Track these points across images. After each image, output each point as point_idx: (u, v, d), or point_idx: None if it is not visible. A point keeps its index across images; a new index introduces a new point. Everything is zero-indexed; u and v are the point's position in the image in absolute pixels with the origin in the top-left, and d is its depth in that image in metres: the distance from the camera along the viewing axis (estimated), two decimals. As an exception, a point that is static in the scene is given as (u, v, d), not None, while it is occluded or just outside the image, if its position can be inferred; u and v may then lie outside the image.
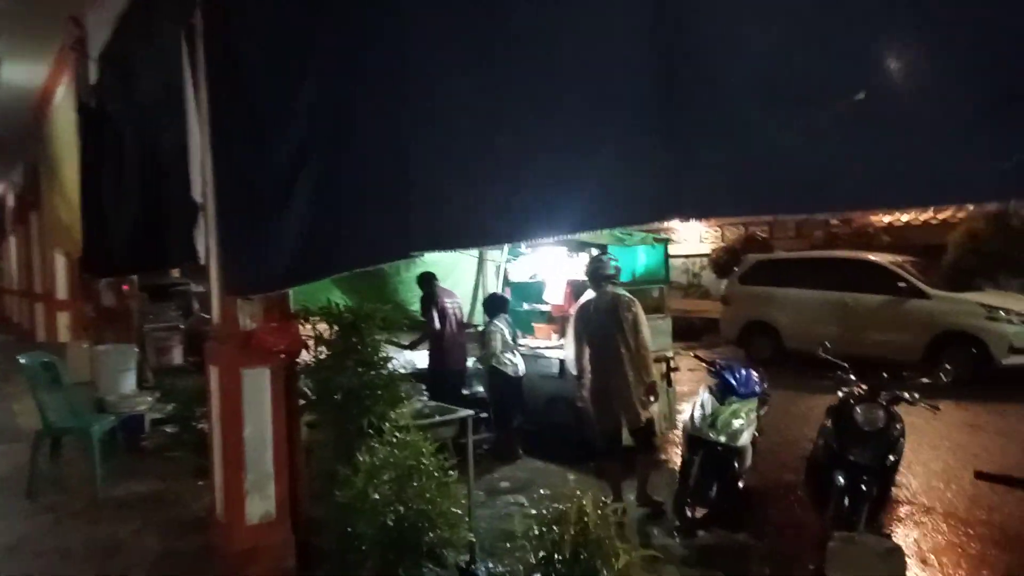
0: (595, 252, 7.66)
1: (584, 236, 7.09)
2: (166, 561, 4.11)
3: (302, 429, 4.08)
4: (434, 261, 7.96)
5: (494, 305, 7.03)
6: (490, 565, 4.53)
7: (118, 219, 5.96)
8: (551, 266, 8.32)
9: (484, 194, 2.21)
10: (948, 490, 5.84)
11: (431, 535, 3.27)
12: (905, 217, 13.73)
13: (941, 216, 13.21)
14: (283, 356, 3.88)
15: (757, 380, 5.78)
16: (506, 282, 8.43)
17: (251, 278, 3.61)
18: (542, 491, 5.98)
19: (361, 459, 3.55)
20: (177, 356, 7.94)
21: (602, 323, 5.58)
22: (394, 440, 3.59)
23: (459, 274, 8.66)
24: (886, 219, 13.95)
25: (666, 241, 7.75)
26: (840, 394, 5.39)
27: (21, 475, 5.70)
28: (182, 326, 8.18)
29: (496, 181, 2.13)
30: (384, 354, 3.98)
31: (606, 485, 5.86)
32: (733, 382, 5.58)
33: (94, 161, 6.70)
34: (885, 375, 4.96)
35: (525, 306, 8.55)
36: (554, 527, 2.59)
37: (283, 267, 3.31)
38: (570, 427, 6.88)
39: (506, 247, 8.32)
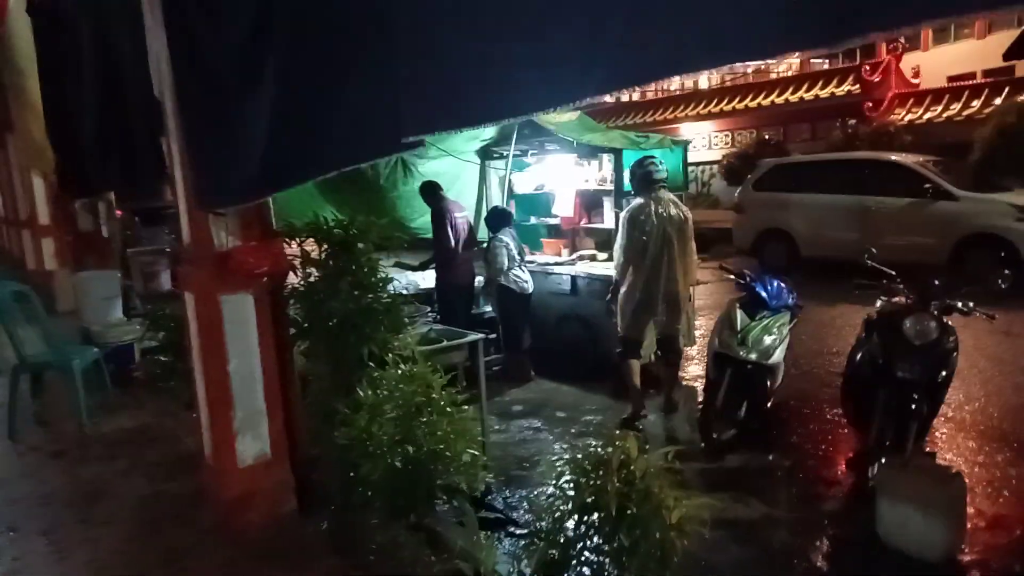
0: (608, 158, 7.07)
1: (597, 141, 6.47)
2: (155, 505, 3.74)
3: (295, 359, 3.63)
4: (435, 173, 7.37)
5: (498, 219, 6.48)
6: (507, 494, 4.19)
7: (85, 133, 5.36)
8: (559, 176, 7.71)
9: (485, 62, 1.69)
10: (990, 404, 5.45)
11: (444, 478, 2.86)
12: (928, 115, 12.96)
13: (966, 112, 12.45)
14: (267, 279, 3.38)
15: (788, 292, 5.31)
16: (511, 195, 7.84)
17: (223, 188, 3.07)
18: (558, 413, 5.65)
19: (362, 394, 3.11)
20: (166, 281, 7.47)
21: (659, 227, 5.20)
22: (399, 372, 3.13)
23: (461, 186, 8.07)
24: (908, 117, 13.17)
25: (685, 144, 7.11)
26: (879, 304, 4.93)
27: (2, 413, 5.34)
28: (169, 249, 7.68)
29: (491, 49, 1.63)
30: (383, 274, 3.48)
31: (623, 403, 5.56)
32: (764, 295, 5.11)
33: (54, 70, 6.02)
34: (936, 282, 4.48)
35: (533, 220, 8.01)
36: (591, 476, 2.14)
37: (257, 172, 2.78)
38: (583, 345, 6.50)
39: (511, 157, 7.71)
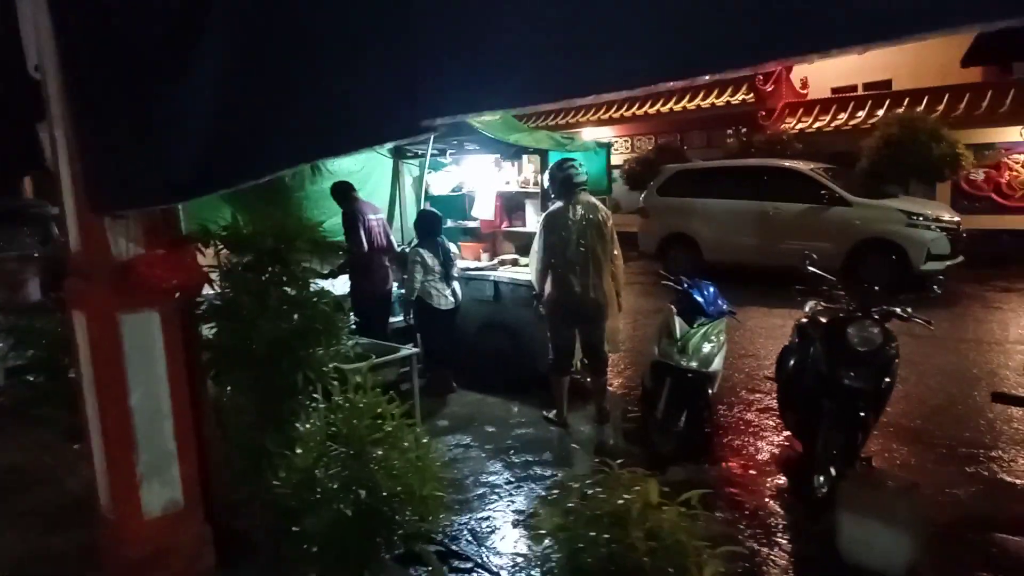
0: (529, 159, 6.79)
1: (524, 141, 6.18)
2: (35, 568, 3.09)
3: (208, 388, 3.09)
4: (347, 172, 6.83)
5: (426, 226, 6.05)
6: (446, 523, 3.80)
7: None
8: (478, 177, 7.36)
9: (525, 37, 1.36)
10: (911, 407, 5.58)
11: (405, 526, 2.45)
12: (817, 124, 13.57)
13: (852, 122, 13.11)
14: (176, 294, 2.84)
15: (722, 298, 5.23)
16: (426, 196, 7.43)
17: (129, 186, 2.51)
18: (487, 428, 5.31)
19: (300, 428, 2.65)
20: (34, 291, 6.52)
21: (578, 232, 4.99)
22: (342, 401, 2.69)
23: (372, 186, 7.56)
24: (798, 126, 13.74)
25: (608, 147, 6.94)
26: (808, 309, 4.92)
27: None
28: (37, 255, 6.73)
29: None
30: (318, 287, 3.01)
31: (552, 413, 5.34)
32: (701, 301, 4.99)
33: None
34: (876, 288, 4.48)
35: (449, 223, 7.62)
36: (604, 529, 1.82)
37: (189, 167, 2.26)
38: (507, 355, 6.19)
39: (428, 156, 7.29)
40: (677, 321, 4.83)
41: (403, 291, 6.17)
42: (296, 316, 2.86)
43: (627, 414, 5.61)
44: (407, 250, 6.30)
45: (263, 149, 2.19)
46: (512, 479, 4.43)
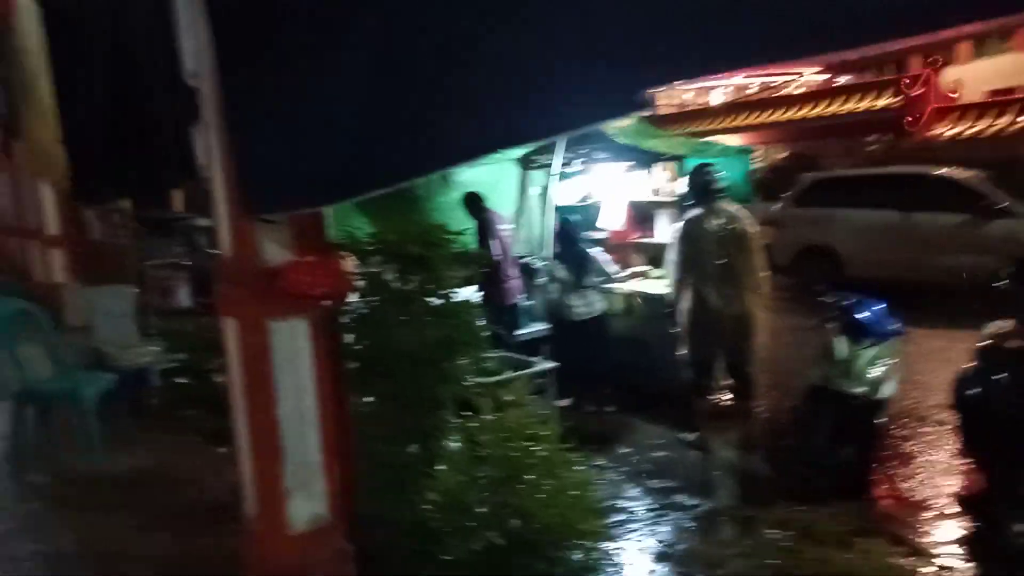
0: (663, 166, 6.46)
1: (660, 146, 5.87)
2: (186, 572, 3.09)
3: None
4: (473, 182, 6.76)
5: (563, 236, 5.85)
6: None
7: (98, 136, 4.77)
8: (606, 187, 7.10)
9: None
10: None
11: (561, 563, 2.21)
12: (970, 130, 12.38)
13: (1013, 128, 11.86)
14: (324, 302, 2.75)
15: (890, 317, 4.69)
16: (556, 208, 7.24)
17: (280, 189, 2.45)
18: (621, 449, 5.01)
19: (444, 445, 2.48)
20: (183, 297, 6.85)
21: (717, 243, 4.66)
22: (491, 419, 2.50)
23: (498, 197, 7.47)
24: (948, 131, 12.58)
25: (748, 151, 6.50)
26: (988, 331, 4.31)
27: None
28: (187, 263, 7.07)
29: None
30: (465, 299, 2.84)
31: (692, 436, 4.96)
32: (868, 320, 4.49)
33: (66, 67, 5.44)
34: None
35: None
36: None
37: (337, 169, 2.19)
38: (637, 370, 5.87)
39: (558, 165, 7.10)
40: (839, 342, 4.36)
41: (532, 303, 6.00)
42: (440, 327, 2.71)
43: (773, 441, 5.14)
44: (535, 262, 6.13)
45: (418, 148, 2.04)
46: (652, 507, 4.11)
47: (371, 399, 2.89)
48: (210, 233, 11.56)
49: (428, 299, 2.73)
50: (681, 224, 4.99)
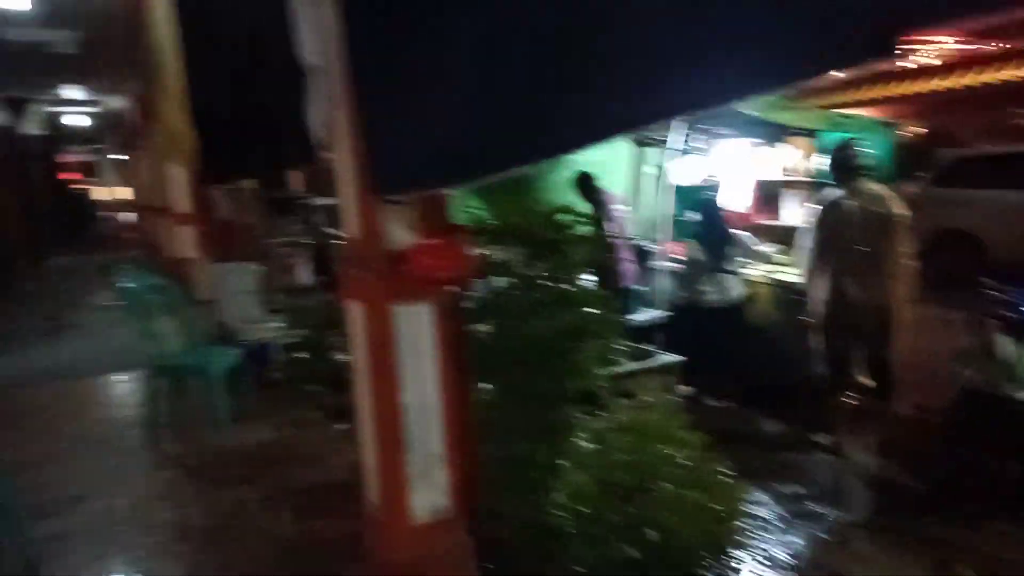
0: (795, 142, 5.99)
1: (792, 120, 5.43)
2: (305, 551, 3.10)
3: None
4: (585, 161, 6.50)
5: (705, 217, 5.53)
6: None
7: (225, 115, 4.87)
8: (728, 165, 6.68)
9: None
10: None
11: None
12: None
13: None
14: (449, 286, 2.64)
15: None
16: (672, 187, 6.88)
17: (406, 170, 2.34)
18: (743, 450, 4.66)
19: (579, 444, 2.31)
20: (304, 274, 7.02)
21: (858, 227, 4.26)
22: (622, 417, 2.31)
23: (611, 177, 7.18)
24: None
25: (895, 126, 5.93)
26: None
27: (137, 412, 4.94)
28: (308, 241, 7.25)
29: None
30: (594, 284, 2.66)
31: (826, 438, 4.59)
32: (1038, 316, 3.97)
33: (196, 47, 5.61)
34: None
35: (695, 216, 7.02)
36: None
37: (460, 153, 2.04)
38: (765, 365, 5.49)
39: (675, 142, 6.74)
40: (1003, 340, 3.87)
41: (646, 288, 5.73)
42: (570, 314, 2.53)
43: (919, 448, 4.68)
44: (649, 244, 5.85)
45: (547, 130, 1.86)
46: (783, 514, 3.81)
47: (494, 389, 2.76)
48: (327, 212, 11.89)
49: (557, 284, 2.56)
50: (819, 206, 4.58)
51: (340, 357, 5.59)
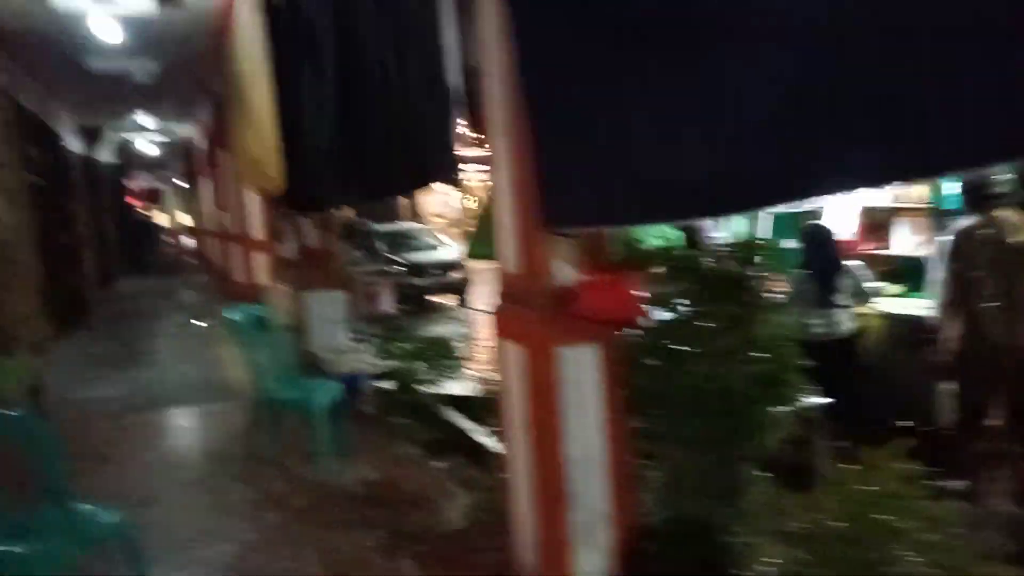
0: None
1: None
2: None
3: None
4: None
5: (809, 244, 5.19)
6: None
7: (321, 140, 4.77)
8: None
9: None
10: None
11: None
12: None
13: None
14: (617, 327, 2.40)
15: None
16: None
17: (585, 202, 2.12)
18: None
19: (759, 506, 2.03)
20: (386, 303, 6.88)
21: (994, 259, 3.90)
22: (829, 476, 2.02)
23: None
24: None
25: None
26: None
27: (235, 446, 4.79)
28: (390, 268, 7.11)
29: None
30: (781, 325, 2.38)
31: (961, 485, 4.19)
32: None
33: (289, 75, 5.53)
34: None
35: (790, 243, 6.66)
36: None
37: (643, 188, 1.84)
38: (882, 409, 5.09)
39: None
40: None
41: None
42: (756, 361, 2.26)
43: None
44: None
45: (787, 172, 1.61)
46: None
47: (661, 440, 2.49)
48: (389, 239, 11.79)
49: (739, 325, 2.29)
50: (950, 236, 4.23)
51: (430, 390, 5.41)
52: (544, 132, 2.20)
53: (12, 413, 2.49)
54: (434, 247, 12.59)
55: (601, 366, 2.36)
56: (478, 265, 14.11)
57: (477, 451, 4.37)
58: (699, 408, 2.31)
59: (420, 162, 3.37)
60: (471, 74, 2.84)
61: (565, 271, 2.34)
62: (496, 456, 4.09)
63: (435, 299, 11.40)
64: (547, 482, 2.37)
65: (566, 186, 2.17)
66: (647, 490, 2.46)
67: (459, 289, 11.89)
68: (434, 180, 3.67)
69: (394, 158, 3.82)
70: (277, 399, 4.28)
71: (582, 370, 2.34)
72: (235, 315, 4.40)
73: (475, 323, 9.83)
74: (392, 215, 15.17)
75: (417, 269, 11.02)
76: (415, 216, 16.85)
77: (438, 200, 18.43)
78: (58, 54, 9.04)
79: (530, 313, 2.38)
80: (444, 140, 2.79)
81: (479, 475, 4.07)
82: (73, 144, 14.00)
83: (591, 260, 2.36)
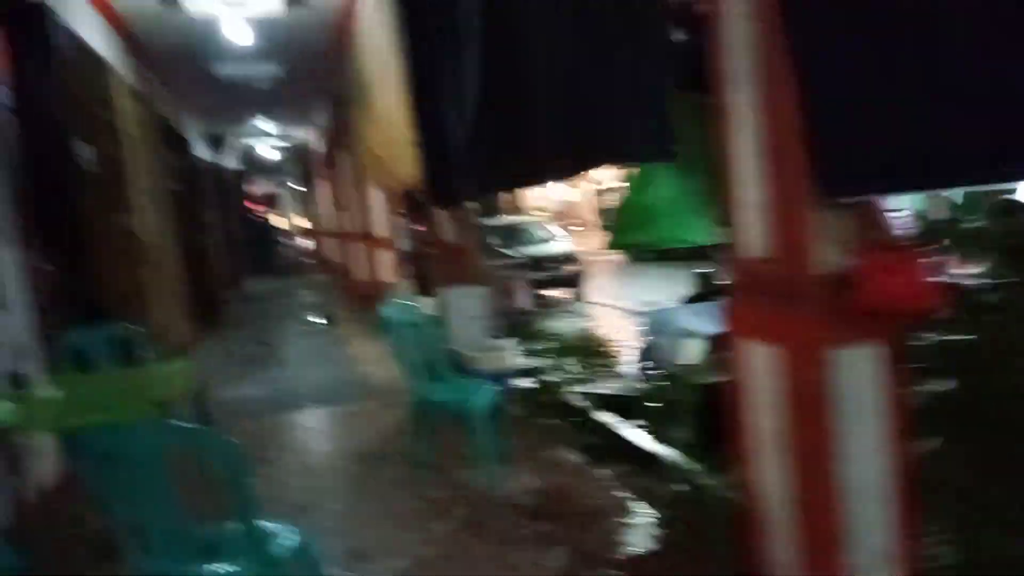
0: None
1: None
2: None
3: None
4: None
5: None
6: None
7: (464, 126, 4.44)
8: None
9: None
10: None
11: None
12: None
13: None
14: (906, 320, 1.90)
15: None
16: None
17: (865, 167, 1.65)
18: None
19: None
20: (524, 298, 6.55)
21: None
22: None
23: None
24: None
25: None
26: None
27: (389, 449, 4.56)
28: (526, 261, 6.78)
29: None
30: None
31: None
32: None
33: (426, 66, 5.25)
34: None
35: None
36: None
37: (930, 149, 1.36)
38: None
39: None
40: None
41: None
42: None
43: None
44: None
45: None
46: None
47: (956, 462, 1.97)
48: (500, 233, 11.47)
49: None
50: None
51: (584, 389, 5.02)
52: (818, 87, 1.73)
53: (200, 428, 2.27)
54: (547, 240, 12.21)
55: (886, 370, 1.87)
56: (592, 257, 13.70)
57: (643, 458, 3.94)
58: (1019, 423, 1.79)
59: (609, 136, 2.92)
60: (683, 16, 2.40)
61: (833, 253, 1.86)
62: (668, 465, 3.66)
63: (551, 293, 11.03)
64: (815, 516, 1.90)
65: (847, 149, 1.70)
66: (941, 526, 1.95)
67: (573, 283, 11.46)
68: (634, 158, 3.22)
69: (563, 134, 3.40)
70: (432, 400, 3.99)
71: (861, 376, 1.86)
72: (388, 311, 4.14)
73: (595, 317, 9.42)
74: (494, 209, 14.89)
75: (532, 263, 10.68)
76: (518, 209, 16.50)
77: (538, 192, 18.03)
78: (190, 60, 9.26)
79: (788, 306, 1.92)
80: (649, 105, 2.34)
81: (655, 486, 3.65)
82: (202, 151, 14.55)
83: (868, 238, 1.87)
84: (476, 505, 3.65)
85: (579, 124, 3.07)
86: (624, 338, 5.96)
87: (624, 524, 3.37)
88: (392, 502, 3.78)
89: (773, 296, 1.96)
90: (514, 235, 11.76)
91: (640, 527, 3.32)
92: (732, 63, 1.99)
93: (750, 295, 2.05)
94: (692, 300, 5.66)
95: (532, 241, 11.96)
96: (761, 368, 2.02)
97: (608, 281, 12.98)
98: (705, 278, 5.84)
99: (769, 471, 2.03)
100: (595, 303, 10.68)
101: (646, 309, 5.71)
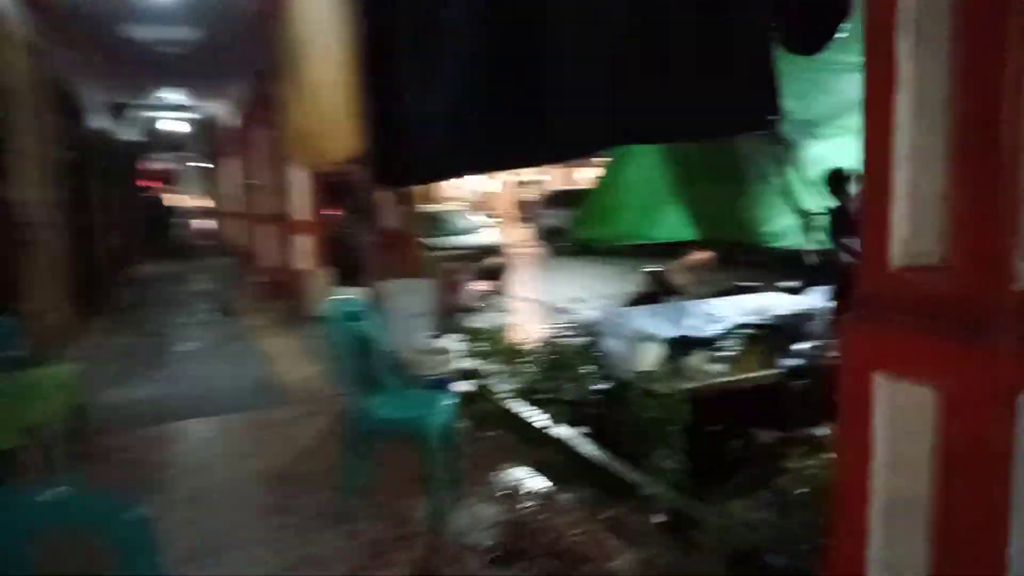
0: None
1: None
2: None
3: None
4: (819, 158, 4.97)
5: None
6: None
7: (449, 97, 3.73)
8: None
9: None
10: None
11: None
12: None
13: None
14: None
15: None
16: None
17: None
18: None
19: None
20: (471, 294, 5.85)
21: None
22: None
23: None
24: None
25: None
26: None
27: (310, 471, 3.75)
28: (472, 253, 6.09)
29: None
30: None
31: None
32: None
33: (385, 31, 4.48)
34: None
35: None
36: None
37: None
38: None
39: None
40: None
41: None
42: None
43: None
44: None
45: None
46: None
47: None
48: (423, 222, 10.66)
49: None
50: None
51: (537, 397, 4.38)
52: None
53: (103, 500, 1.47)
54: (470, 231, 11.47)
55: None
56: (515, 250, 13.03)
57: (611, 483, 3.39)
58: None
59: (683, 104, 2.24)
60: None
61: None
62: (644, 496, 3.10)
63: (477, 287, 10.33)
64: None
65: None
66: None
67: (496, 275, 10.79)
68: (733, 129, 2.59)
69: (603, 102, 2.73)
70: (376, 417, 3.23)
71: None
72: (327, 306, 3.36)
73: (518, 313, 8.73)
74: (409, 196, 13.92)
75: (458, 255, 9.94)
76: (432, 198, 15.51)
77: (454, 181, 17.07)
78: (95, 17, 7.95)
79: (964, 333, 1.35)
80: (749, 63, 1.75)
81: (628, 516, 3.09)
82: (100, 119, 12.91)
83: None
84: (426, 546, 2.93)
85: (635, 89, 2.42)
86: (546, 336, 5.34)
87: (601, 567, 2.76)
88: (318, 543, 3.01)
89: (937, 319, 1.39)
90: (436, 224, 10.92)
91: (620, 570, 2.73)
92: (899, 18, 1.41)
93: (888, 315, 1.48)
94: (640, 300, 5.19)
95: (455, 231, 11.21)
96: (901, 414, 1.45)
97: (531, 275, 12.43)
98: (656, 277, 5.38)
99: (899, 549, 1.47)
100: (519, 298, 10.08)
101: (574, 306, 5.19)
